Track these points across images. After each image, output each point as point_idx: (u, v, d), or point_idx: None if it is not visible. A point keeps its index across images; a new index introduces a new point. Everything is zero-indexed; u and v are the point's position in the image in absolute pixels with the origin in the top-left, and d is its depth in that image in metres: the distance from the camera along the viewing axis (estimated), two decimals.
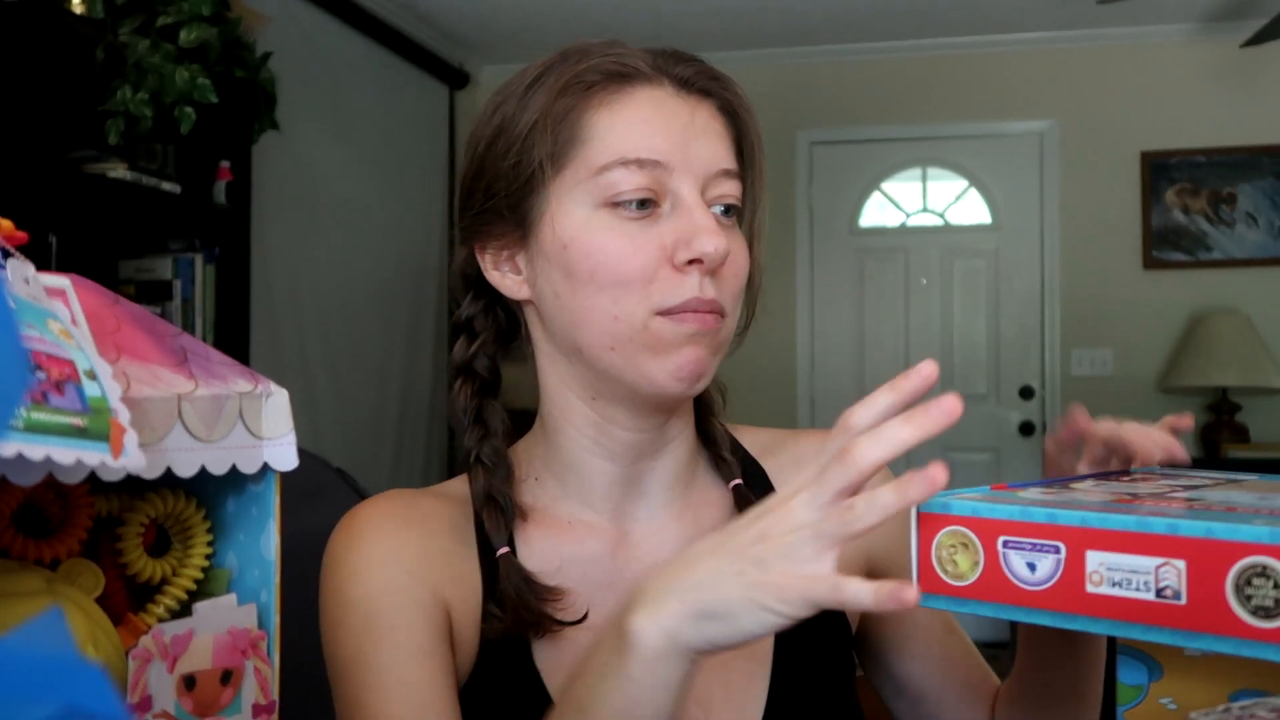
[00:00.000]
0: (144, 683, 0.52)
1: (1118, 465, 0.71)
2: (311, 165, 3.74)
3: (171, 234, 3.07)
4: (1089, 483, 0.63)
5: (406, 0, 4.13)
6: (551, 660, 0.79)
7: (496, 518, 0.81)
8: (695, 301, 0.75)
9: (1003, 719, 0.88)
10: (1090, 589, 0.50)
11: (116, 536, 0.55)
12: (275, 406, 0.56)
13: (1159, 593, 0.48)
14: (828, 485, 0.56)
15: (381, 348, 4.20)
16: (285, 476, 0.57)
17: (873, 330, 4.72)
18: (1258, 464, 4.00)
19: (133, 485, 0.55)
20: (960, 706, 0.90)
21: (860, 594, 0.54)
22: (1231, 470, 0.71)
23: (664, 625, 0.59)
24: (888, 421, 0.55)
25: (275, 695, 0.57)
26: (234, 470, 0.55)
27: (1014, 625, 0.85)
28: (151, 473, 0.51)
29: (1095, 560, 0.49)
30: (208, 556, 0.57)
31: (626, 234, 0.76)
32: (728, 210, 0.79)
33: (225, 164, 3.09)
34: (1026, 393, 4.58)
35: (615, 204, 0.76)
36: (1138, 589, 0.48)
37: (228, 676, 0.55)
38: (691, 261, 0.75)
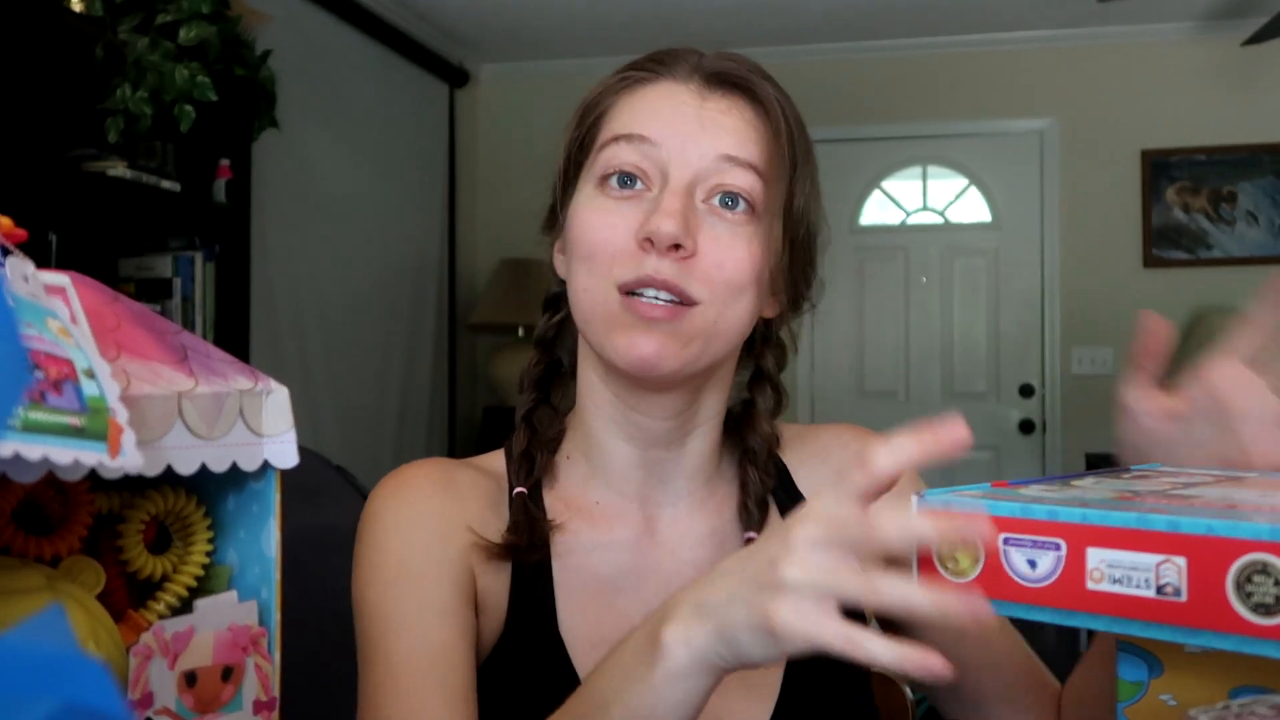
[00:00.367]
0: (145, 679, 0.52)
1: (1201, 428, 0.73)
2: (311, 163, 3.74)
3: (171, 232, 3.07)
4: (1089, 480, 0.63)
5: None
6: (577, 631, 0.80)
7: (526, 474, 0.85)
8: (648, 279, 0.76)
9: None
10: (1091, 586, 0.50)
11: (117, 533, 0.55)
12: (275, 404, 0.56)
13: (1159, 590, 0.48)
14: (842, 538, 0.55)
15: (381, 346, 4.20)
16: (285, 474, 0.57)
17: (873, 328, 4.72)
18: None
19: (133, 482, 0.55)
20: (1008, 709, 0.88)
21: (881, 655, 0.53)
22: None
23: (691, 644, 0.59)
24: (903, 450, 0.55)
25: (276, 692, 0.57)
26: (234, 468, 0.55)
27: (1090, 633, 0.85)
28: (152, 470, 0.51)
29: (1096, 557, 0.49)
30: (208, 553, 0.57)
31: (606, 209, 0.79)
32: (731, 202, 0.78)
33: (225, 162, 3.09)
34: (1026, 391, 4.58)
35: (605, 181, 0.79)
36: (1138, 586, 0.48)
37: (229, 673, 0.55)
38: (649, 240, 0.76)
